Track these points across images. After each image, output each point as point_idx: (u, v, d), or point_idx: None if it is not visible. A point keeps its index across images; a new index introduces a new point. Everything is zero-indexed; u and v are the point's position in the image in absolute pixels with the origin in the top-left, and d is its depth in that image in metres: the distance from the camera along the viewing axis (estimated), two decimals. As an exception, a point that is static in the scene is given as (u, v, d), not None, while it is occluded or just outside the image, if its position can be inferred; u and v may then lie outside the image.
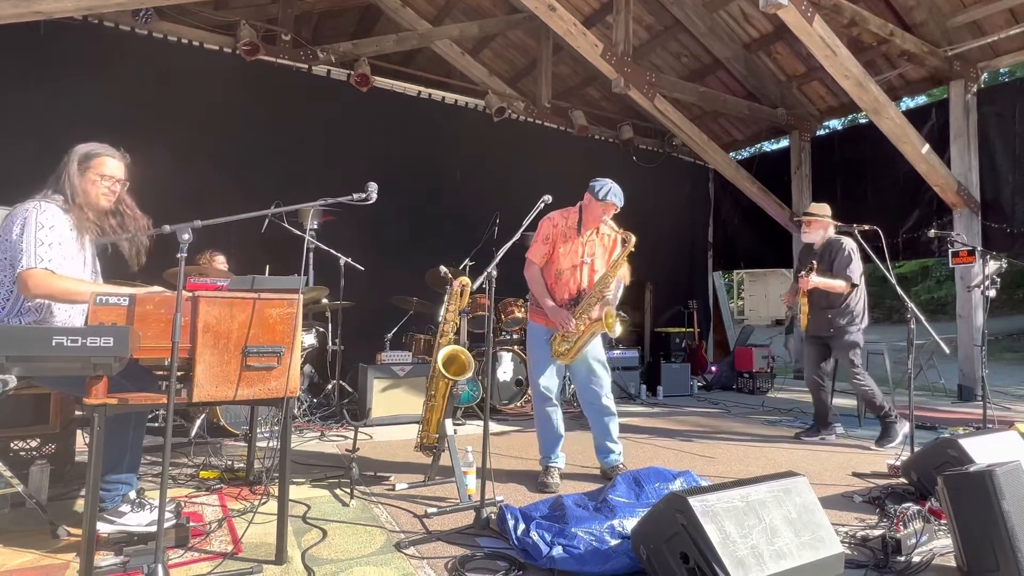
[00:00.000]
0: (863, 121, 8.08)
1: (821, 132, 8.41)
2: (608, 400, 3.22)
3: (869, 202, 7.44)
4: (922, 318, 3.33)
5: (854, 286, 4.06)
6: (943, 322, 14.76)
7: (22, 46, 4.83)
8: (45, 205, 2.15)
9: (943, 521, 2.35)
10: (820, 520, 1.96)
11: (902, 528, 2.20)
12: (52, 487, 2.60)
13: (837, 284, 4.05)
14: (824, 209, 4.26)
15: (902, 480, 3.03)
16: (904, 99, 7.65)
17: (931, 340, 3.62)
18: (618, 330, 3.06)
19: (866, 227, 3.52)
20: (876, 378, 4.23)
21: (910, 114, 6.68)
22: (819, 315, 4.19)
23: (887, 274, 3.36)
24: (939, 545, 2.25)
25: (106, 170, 2.30)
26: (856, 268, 4.06)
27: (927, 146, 6.09)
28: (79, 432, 3.34)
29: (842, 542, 2.06)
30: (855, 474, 3.34)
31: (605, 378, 3.22)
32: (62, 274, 2.11)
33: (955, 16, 6.12)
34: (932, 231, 4.63)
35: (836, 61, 5.39)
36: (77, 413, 3.13)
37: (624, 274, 3.27)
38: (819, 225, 4.20)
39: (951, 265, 6.36)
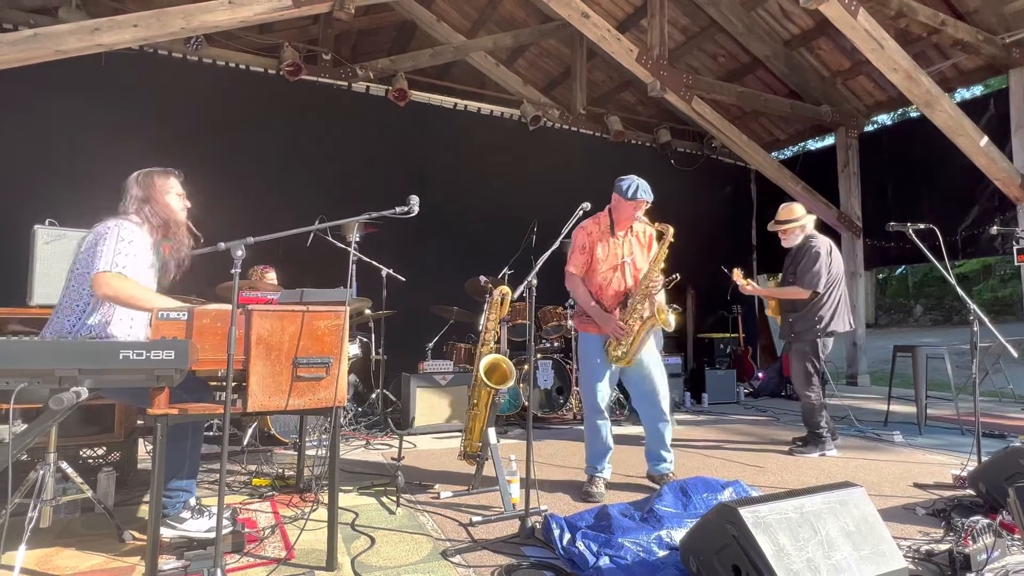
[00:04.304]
0: (914, 115, 7.75)
1: (869, 128, 8.10)
2: (664, 405, 3.17)
3: (924, 199, 7.11)
4: (986, 320, 3.16)
5: (814, 292, 3.92)
6: (1009, 323, 13.92)
7: (86, 76, 5.15)
8: (127, 224, 2.28)
9: (1016, 536, 2.22)
10: (881, 533, 1.88)
11: (971, 543, 2.08)
12: (117, 493, 2.74)
13: (789, 291, 4.02)
14: (792, 212, 4.15)
15: (969, 492, 2.87)
16: (959, 90, 7.28)
17: (997, 343, 3.42)
18: (672, 322, 3.03)
19: (921, 226, 3.36)
20: (937, 384, 4.03)
21: (966, 105, 6.36)
22: (784, 318, 4.17)
23: (946, 274, 3.20)
24: (1013, 562, 2.12)
25: (179, 188, 2.48)
26: (819, 272, 3.90)
27: (985, 138, 5.79)
28: (140, 441, 3.51)
29: (905, 557, 1.97)
30: (916, 485, 3.19)
31: (661, 383, 3.16)
32: (132, 280, 2.21)
33: (1013, 1, 5.81)
34: (994, 227, 4.37)
35: (883, 55, 5.19)
36: (139, 423, 3.29)
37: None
38: (792, 231, 4.12)
39: (1016, 263, 6.00)
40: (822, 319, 3.95)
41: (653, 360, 3.15)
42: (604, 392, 3.13)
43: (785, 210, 4.20)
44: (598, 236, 3.14)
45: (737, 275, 4.12)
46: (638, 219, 3.14)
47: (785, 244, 4.21)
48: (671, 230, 3.08)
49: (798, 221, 4.11)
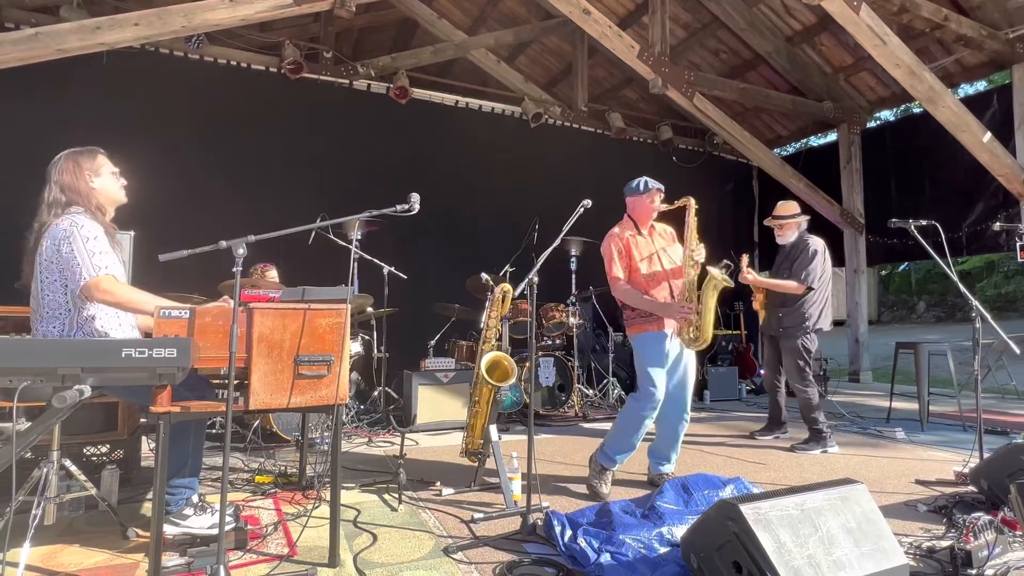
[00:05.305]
0: (917, 111, 7.72)
1: (871, 124, 8.06)
2: (688, 406, 3.17)
3: (927, 195, 7.10)
4: (988, 316, 3.15)
5: (809, 288, 4.01)
6: (1012, 319, 13.88)
7: (87, 74, 5.16)
8: (81, 220, 2.19)
9: (1018, 532, 2.22)
10: (882, 529, 1.88)
11: (972, 539, 2.08)
12: (120, 490, 2.75)
13: (786, 284, 4.07)
14: (790, 208, 4.24)
15: (971, 488, 2.87)
16: (962, 86, 7.25)
17: (1000, 339, 3.41)
18: (731, 279, 3.02)
19: (924, 222, 3.35)
20: (940, 381, 4.04)
21: (969, 101, 6.33)
22: (772, 313, 4.23)
23: (948, 271, 3.19)
24: (1014, 558, 2.12)
25: (111, 167, 2.36)
26: (815, 270, 4.01)
27: (989, 134, 5.76)
28: (144, 438, 3.53)
29: (906, 553, 1.97)
30: (918, 481, 3.19)
31: (691, 382, 3.17)
32: (124, 283, 2.21)
33: (1016, -4, 5.78)
34: (997, 224, 4.35)
35: (886, 50, 5.17)
36: (142, 420, 3.31)
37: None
38: (789, 226, 4.21)
39: (1020, 259, 5.98)
40: (811, 316, 4.04)
41: (691, 359, 3.15)
42: (658, 398, 3.00)
43: (783, 206, 4.26)
44: (627, 239, 3.15)
45: (744, 261, 4.16)
46: (656, 213, 3.17)
47: (780, 241, 4.28)
48: (692, 200, 3.09)
49: (795, 218, 4.19)
